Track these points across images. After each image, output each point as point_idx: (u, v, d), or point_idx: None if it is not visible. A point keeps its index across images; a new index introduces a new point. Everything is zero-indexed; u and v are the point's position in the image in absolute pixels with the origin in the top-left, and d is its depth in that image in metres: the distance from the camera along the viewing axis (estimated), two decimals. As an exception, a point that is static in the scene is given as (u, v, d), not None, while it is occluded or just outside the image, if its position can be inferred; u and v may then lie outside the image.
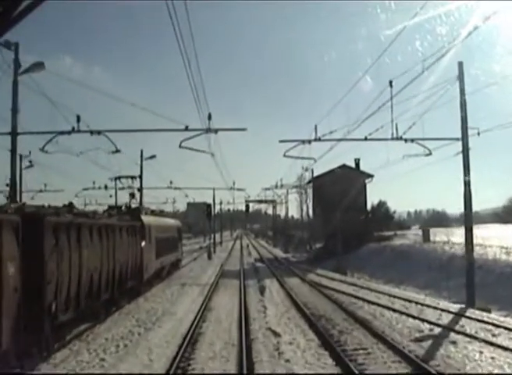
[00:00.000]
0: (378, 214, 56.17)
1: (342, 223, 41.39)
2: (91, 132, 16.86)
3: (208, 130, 16.50)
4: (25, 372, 9.20)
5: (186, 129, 16.82)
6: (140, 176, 36.03)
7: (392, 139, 17.97)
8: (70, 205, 13.89)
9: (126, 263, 16.13)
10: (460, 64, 17.74)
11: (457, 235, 39.25)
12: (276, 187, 39.35)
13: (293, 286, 23.84)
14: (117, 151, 18.02)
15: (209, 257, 44.80)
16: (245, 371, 9.35)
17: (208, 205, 45.31)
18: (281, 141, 19.66)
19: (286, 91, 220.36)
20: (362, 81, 20.21)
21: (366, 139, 18.75)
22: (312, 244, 67.33)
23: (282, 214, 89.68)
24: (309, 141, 18.94)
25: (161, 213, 29.01)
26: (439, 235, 37.63)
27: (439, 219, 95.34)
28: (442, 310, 15.95)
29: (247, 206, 71.36)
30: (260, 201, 75.79)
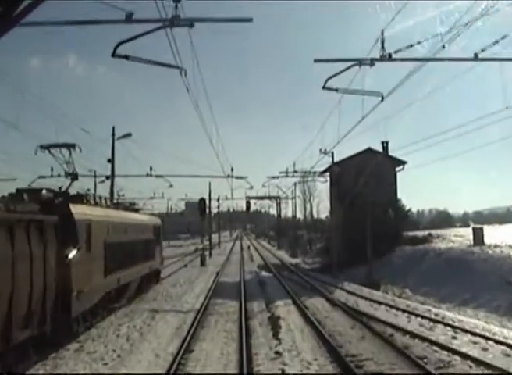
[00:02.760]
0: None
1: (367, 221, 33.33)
2: None
3: (174, 22, 8.02)
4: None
5: (129, 19, 8.43)
6: (111, 160, 27.84)
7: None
8: None
9: (8, 297, 7.92)
10: None
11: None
12: (286, 174, 31.01)
13: (321, 315, 15.65)
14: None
15: (202, 263, 36.57)
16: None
17: (202, 200, 37.01)
18: (317, 61, 11.47)
19: (288, 89, 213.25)
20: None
21: (476, 58, 10.64)
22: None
23: (284, 213, 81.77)
24: (371, 61, 10.67)
25: (131, 207, 20.83)
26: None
27: (445, 219, 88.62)
28: None
29: (248, 203, 63.32)
30: (262, 198, 67.91)
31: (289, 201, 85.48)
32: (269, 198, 64.85)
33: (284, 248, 65.99)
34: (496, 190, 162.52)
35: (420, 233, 39.11)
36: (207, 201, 53.81)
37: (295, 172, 30.05)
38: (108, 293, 14.73)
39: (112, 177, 27.81)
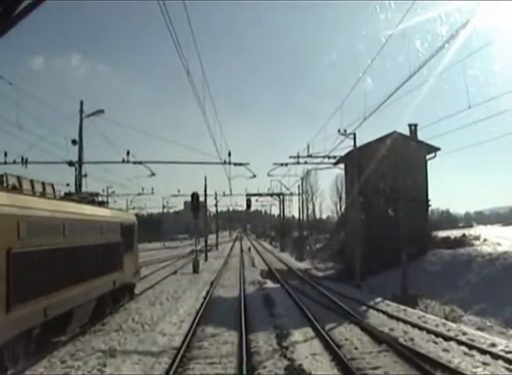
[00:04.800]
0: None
1: (394, 220, 28.00)
2: None
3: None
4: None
5: None
6: (79, 142, 22.25)
7: None
8: None
9: None
10: None
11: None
12: (298, 160, 24.98)
13: (365, 363, 10.05)
14: None
15: (195, 269, 30.91)
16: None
17: (195, 195, 31.31)
18: None
19: (290, 90, 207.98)
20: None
21: None
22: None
23: (286, 213, 76.23)
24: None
25: (90, 198, 15.12)
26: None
27: (448, 219, 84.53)
28: None
29: (248, 200, 57.86)
30: (262, 195, 62.35)
31: (293, 199, 79.92)
32: (271, 194, 59.28)
33: (288, 250, 60.42)
34: (498, 189, 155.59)
35: (448, 233, 33.67)
36: (203, 198, 48.29)
37: (309, 156, 24.19)
38: (27, 332, 9.11)
39: (79, 163, 22.17)
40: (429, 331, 12.72)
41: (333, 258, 38.71)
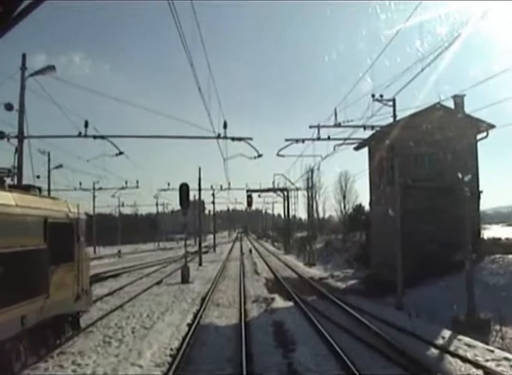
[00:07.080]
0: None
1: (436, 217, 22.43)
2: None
3: None
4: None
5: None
6: (19, 109, 16.26)
7: None
8: None
9: None
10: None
11: None
12: (318, 132, 18.57)
13: None
14: None
15: (184, 279, 24.88)
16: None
17: (184, 186, 25.26)
18: None
19: (289, 89, 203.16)
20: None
21: None
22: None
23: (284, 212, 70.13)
24: None
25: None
26: None
27: None
28: None
29: (250, 197, 52.35)
30: (263, 191, 56.58)
31: (297, 197, 73.55)
32: (275, 190, 53.42)
33: (294, 253, 54.44)
34: (499, 188, 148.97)
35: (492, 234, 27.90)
36: (200, 194, 42.41)
37: (338, 125, 17.77)
38: None
39: (19, 137, 16.16)
40: None
41: (350, 263, 32.67)
